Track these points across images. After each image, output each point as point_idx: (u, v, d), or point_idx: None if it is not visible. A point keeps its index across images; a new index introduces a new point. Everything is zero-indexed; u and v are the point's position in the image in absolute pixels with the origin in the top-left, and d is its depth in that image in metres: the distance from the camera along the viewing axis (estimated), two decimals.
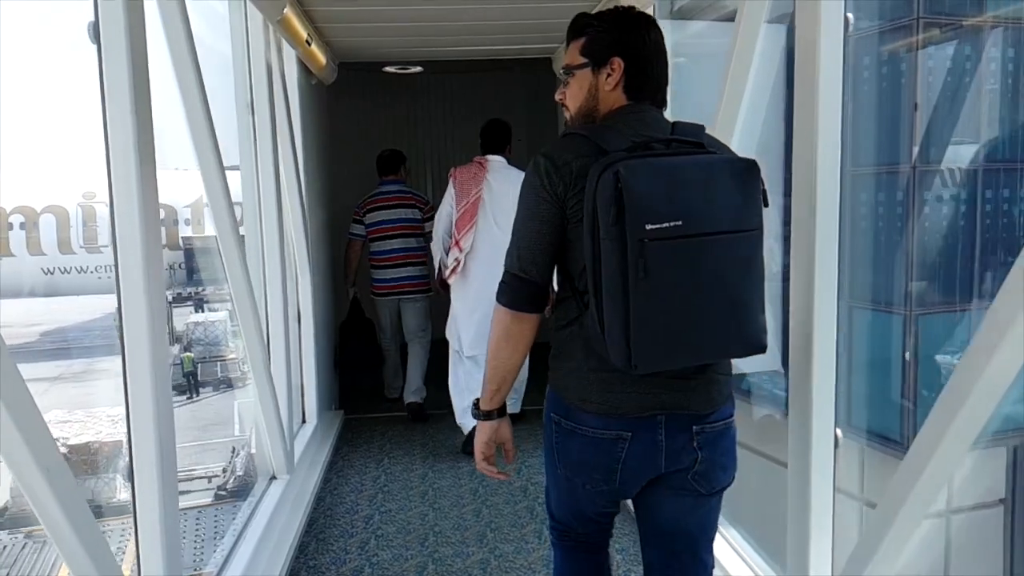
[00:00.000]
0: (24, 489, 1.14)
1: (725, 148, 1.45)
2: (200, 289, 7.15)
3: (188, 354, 6.79)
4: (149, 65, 1.55)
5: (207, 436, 6.33)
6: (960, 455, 1.15)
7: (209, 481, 5.25)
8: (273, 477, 2.93)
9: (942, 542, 2.98)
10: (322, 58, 3.80)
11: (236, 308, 2.52)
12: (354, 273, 4.44)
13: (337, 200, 4.86)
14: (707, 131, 1.43)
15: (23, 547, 3.96)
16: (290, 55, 3.50)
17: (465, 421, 3.65)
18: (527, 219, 1.38)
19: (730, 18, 2.73)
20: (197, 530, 4.41)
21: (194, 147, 2.20)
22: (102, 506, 4.64)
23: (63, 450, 4.84)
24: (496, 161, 3.63)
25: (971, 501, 3.22)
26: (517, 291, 1.39)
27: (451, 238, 3.62)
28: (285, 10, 2.86)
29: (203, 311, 7.33)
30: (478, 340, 3.53)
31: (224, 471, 5.15)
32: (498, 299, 1.42)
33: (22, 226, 7.79)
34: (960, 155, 3.80)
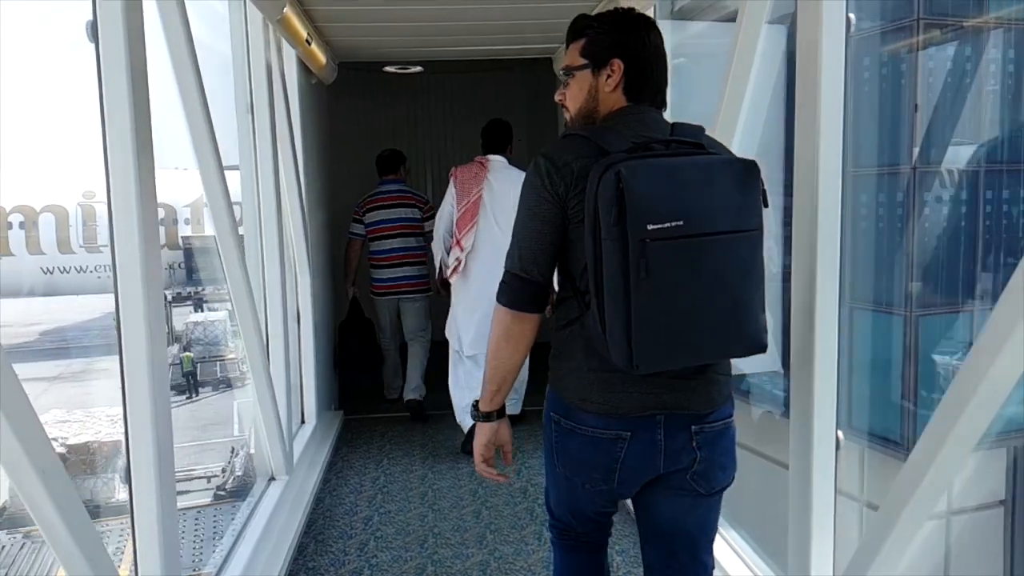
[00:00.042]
0: (20, 492, 1.14)
1: (724, 149, 1.45)
2: (199, 289, 7.15)
3: (187, 354, 6.79)
4: (148, 64, 1.54)
5: (206, 436, 6.33)
6: (963, 457, 1.14)
7: (208, 481, 5.25)
8: (272, 478, 2.92)
9: (942, 543, 2.98)
10: (322, 58, 3.80)
11: (235, 308, 2.52)
12: (354, 272, 4.43)
13: (337, 200, 4.86)
14: (708, 132, 1.43)
15: (21, 547, 3.96)
16: (290, 55, 3.50)
17: (465, 419, 3.64)
18: (528, 219, 1.38)
19: (730, 19, 2.73)
20: (196, 530, 4.40)
21: (193, 147, 2.20)
22: (101, 506, 4.64)
23: (62, 450, 4.83)
24: (497, 161, 3.63)
25: (971, 502, 3.21)
26: (518, 291, 1.39)
27: (452, 237, 3.62)
28: (285, 9, 2.86)
29: (202, 311, 7.33)
30: (478, 340, 3.53)
31: (223, 471, 5.15)
32: (498, 299, 1.42)
33: (21, 225, 7.79)
34: (960, 156, 3.80)
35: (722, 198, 1.27)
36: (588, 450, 1.40)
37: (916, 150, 3.73)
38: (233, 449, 5.22)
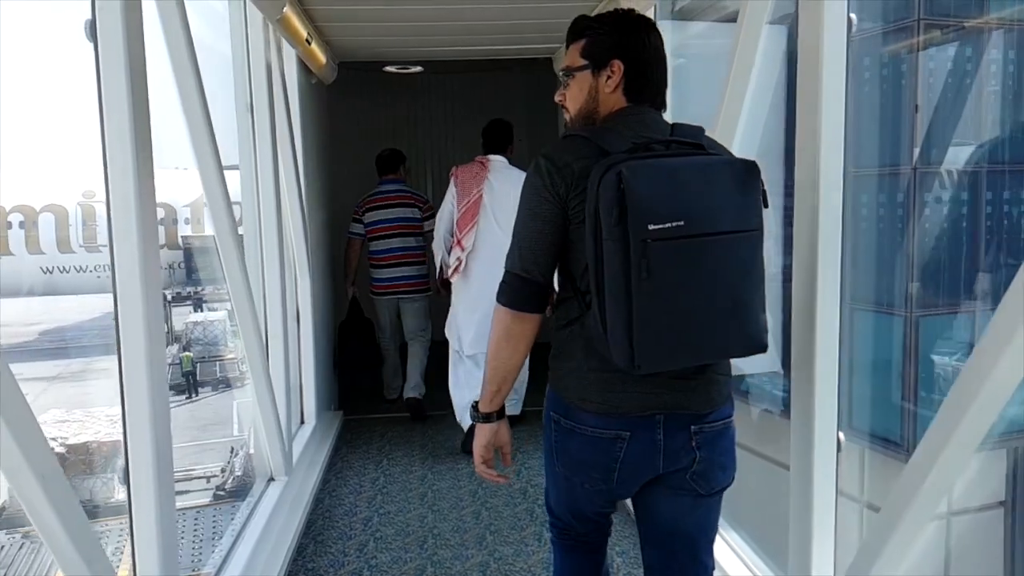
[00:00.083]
0: (19, 496, 1.13)
1: (723, 150, 1.45)
2: (199, 288, 7.15)
3: (187, 353, 6.79)
4: (147, 64, 1.54)
5: (206, 436, 6.33)
6: (965, 460, 1.14)
7: (208, 481, 5.24)
8: (271, 478, 2.92)
9: (943, 544, 2.98)
10: (322, 57, 3.79)
11: (235, 308, 2.51)
12: (354, 272, 4.43)
13: (337, 200, 4.85)
14: (708, 132, 1.44)
15: (20, 547, 3.95)
16: (290, 54, 3.49)
17: (465, 418, 3.64)
18: (529, 219, 1.38)
19: (731, 19, 2.72)
20: (196, 530, 4.40)
21: (192, 146, 2.19)
22: (100, 506, 4.63)
23: (61, 450, 4.83)
24: (498, 161, 3.63)
25: (972, 503, 3.21)
26: (518, 291, 1.39)
27: (452, 237, 3.62)
28: (285, 9, 2.85)
29: (202, 310, 7.33)
30: (478, 339, 3.53)
31: (223, 471, 5.15)
32: (498, 299, 1.42)
33: (21, 225, 7.79)
34: (961, 157, 3.80)
35: (722, 198, 1.28)
36: (587, 450, 1.40)
37: (916, 151, 3.73)
38: (232, 449, 5.21)
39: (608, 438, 1.37)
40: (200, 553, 4.06)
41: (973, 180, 3.68)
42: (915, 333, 3.56)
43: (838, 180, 1.51)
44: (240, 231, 2.68)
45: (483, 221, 3.52)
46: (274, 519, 2.66)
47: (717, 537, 1.57)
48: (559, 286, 1.45)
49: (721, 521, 1.57)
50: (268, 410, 2.76)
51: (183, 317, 7.29)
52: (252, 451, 3.21)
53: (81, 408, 5.58)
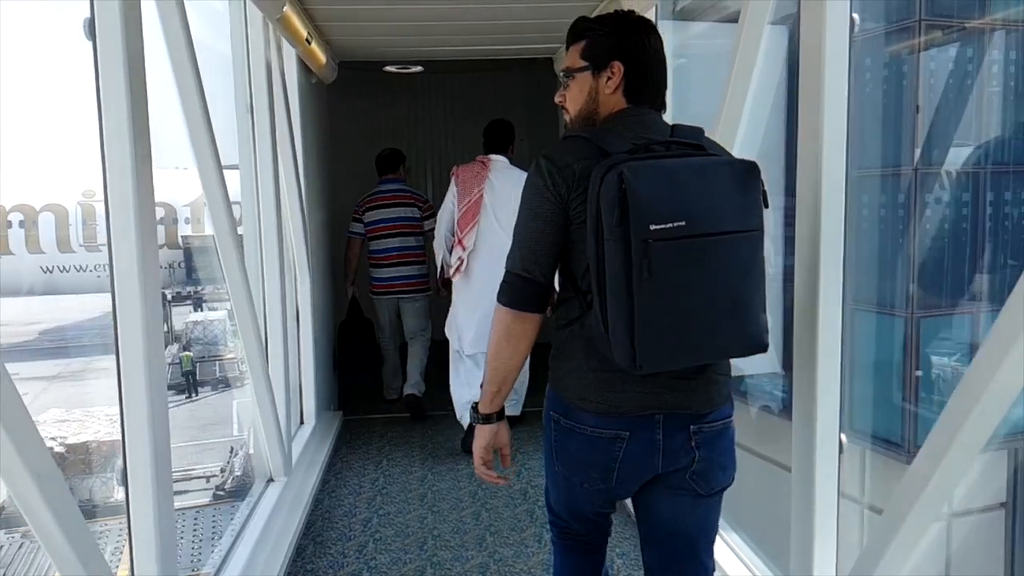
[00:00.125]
0: (15, 497, 1.12)
1: (723, 150, 1.46)
2: (199, 288, 7.15)
3: (187, 353, 6.78)
4: (146, 63, 1.53)
5: (205, 436, 6.32)
6: (968, 462, 1.13)
7: (207, 481, 5.24)
8: (270, 479, 2.91)
9: (944, 545, 2.97)
10: (322, 57, 3.79)
11: (234, 308, 2.51)
12: (354, 272, 4.42)
13: (337, 200, 4.85)
14: (710, 132, 1.44)
15: (20, 547, 3.95)
16: (290, 54, 3.49)
17: (465, 416, 3.64)
18: (530, 219, 1.38)
19: (732, 19, 2.72)
20: (195, 530, 4.40)
21: (192, 146, 2.18)
22: (99, 505, 4.63)
23: (61, 449, 4.82)
24: (499, 161, 3.63)
25: (973, 504, 3.21)
26: (519, 291, 1.39)
27: (453, 237, 3.62)
28: (285, 8, 2.85)
29: (202, 310, 7.33)
30: (478, 339, 3.53)
31: (222, 471, 5.14)
32: (499, 299, 1.42)
33: (21, 224, 7.79)
34: (962, 158, 3.79)
35: (723, 199, 1.28)
36: (587, 449, 1.40)
37: (918, 151, 3.73)
38: (232, 449, 5.21)
39: (608, 438, 1.38)
40: (199, 553, 4.05)
41: (974, 181, 3.68)
42: (916, 334, 3.55)
43: (840, 181, 1.50)
44: (240, 231, 2.67)
45: (484, 221, 3.51)
46: (273, 520, 2.65)
47: (717, 538, 1.56)
48: (559, 286, 1.45)
49: (721, 522, 1.56)
50: (267, 410, 2.75)
51: (183, 317, 7.28)
52: (251, 451, 3.20)
53: (81, 408, 5.57)
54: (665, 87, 1.46)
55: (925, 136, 3.75)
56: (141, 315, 1.47)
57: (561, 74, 1.51)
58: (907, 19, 3.70)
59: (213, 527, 4.47)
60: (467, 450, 3.56)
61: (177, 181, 6.10)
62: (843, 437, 1.58)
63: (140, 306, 1.46)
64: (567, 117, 1.51)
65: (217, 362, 6.95)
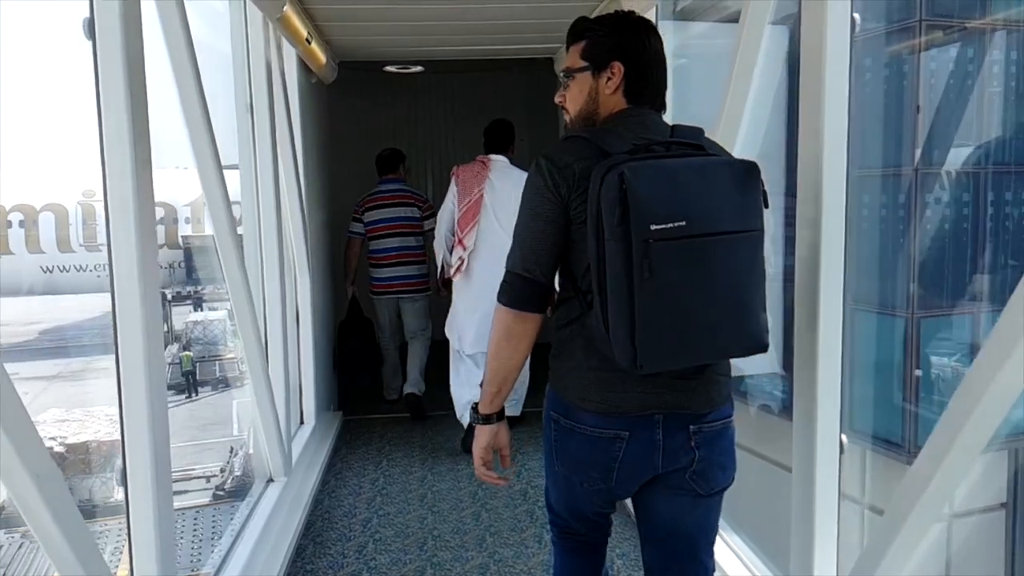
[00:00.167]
0: (14, 497, 1.12)
1: (723, 151, 1.46)
2: (199, 288, 7.15)
3: (187, 353, 6.78)
4: (146, 62, 1.53)
5: (205, 436, 6.32)
6: (969, 464, 1.13)
7: (207, 481, 5.24)
8: (270, 479, 2.91)
9: (944, 545, 2.97)
10: (322, 57, 3.78)
11: (234, 309, 2.50)
12: (354, 272, 4.42)
13: (337, 200, 4.85)
14: (711, 132, 1.44)
15: (20, 547, 3.94)
16: (290, 53, 3.48)
17: (465, 415, 3.64)
18: (530, 219, 1.39)
19: (732, 19, 2.72)
20: (195, 530, 4.39)
21: (192, 146, 2.18)
22: (99, 505, 4.62)
23: (61, 449, 4.82)
24: (499, 161, 3.63)
25: (973, 505, 3.20)
26: (520, 290, 1.39)
27: (454, 236, 3.62)
28: (285, 8, 2.84)
29: (202, 310, 7.33)
30: (478, 339, 3.53)
31: (222, 471, 5.14)
32: (499, 299, 1.42)
33: (21, 224, 7.79)
34: (962, 158, 3.79)
35: (723, 199, 1.28)
36: (586, 449, 1.41)
37: (918, 152, 3.73)
38: (232, 449, 5.21)
39: (607, 437, 1.38)
40: (199, 553, 4.05)
41: (975, 181, 3.68)
42: (916, 334, 3.55)
43: (841, 181, 1.50)
44: (240, 231, 2.67)
45: (484, 220, 3.51)
46: (273, 520, 2.65)
47: (717, 539, 1.56)
48: (560, 286, 1.45)
49: (722, 523, 1.56)
50: (267, 411, 2.75)
51: (183, 316, 7.28)
52: (251, 451, 3.20)
53: (81, 407, 5.57)
54: (665, 87, 1.47)
55: (926, 136, 3.74)
56: (140, 315, 1.46)
57: (561, 74, 1.51)
58: (908, 19, 3.69)
59: (213, 527, 4.47)
60: (467, 450, 3.56)
61: (177, 181, 6.10)
62: (844, 438, 1.58)
63: (139, 306, 1.46)
64: (567, 117, 1.51)
65: (217, 362, 6.94)
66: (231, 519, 3.84)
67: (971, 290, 3.56)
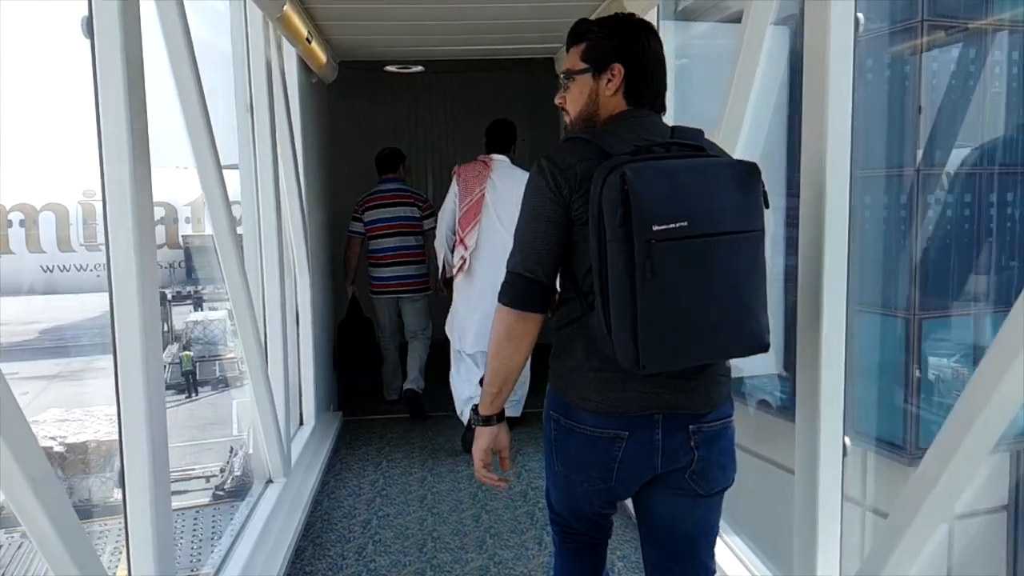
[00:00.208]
0: (10, 499, 1.11)
1: (723, 152, 1.47)
2: (199, 287, 7.14)
3: (187, 353, 6.77)
4: (144, 61, 1.52)
5: (205, 435, 6.31)
6: (975, 466, 1.12)
7: (207, 481, 5.23)
8: (270, 480, 2.90)
9: (946, 547, 2.96)
10: (322, 56, 3.78)
11: (233, 309, 2.49)
12: (353, 271, 4.42)
13: (337, 199, 4.84)
14: (712, 133, 1.43)
15: (19, 547, 3.94)
16: (290, 53, 3.48)
17: (466, 411, 3.65)
18: (532, 220, 1.39)
19: (733, 20, 2.71)
20: (195, 530, 4.39)
21: (191, 146, 2.17)
22: (99, 505, 4.61)
23: (60, 449, 4.81)
24: (500, 160, 3.63)
25: (975, 507, 3.20)
26: (521, 291, 1.39)
27: (455, 236, 3.62)
28: (285, 7, 2.84)
29: (202, 309, 7.32)
30: (479, 338, 3.53)
31: (222, 471, 5.13)
32: (500, 299, 1.42)
33: (22, 223, 7.79)
34: (964, 159, 3.78)
35: (724, 199, 1.29)
36: (586, 449, 1.41)
37: (920, 152, 3.72)
38: (232, 449, 5.20)
39: (607, 437, 1.38)
40: (199, 553, 4.04)
41: (976, 182, 3.67)
42: (918, 335, 3.54)
43: (844, 182, 1.49)
44: (240, 231, 2.66)
45: (486, 220, 3.51)
46: (272, 521, 2.64)
47: (718, 540, 1.55)
48: (561, 287, 1.45)
49: (723, 524, 1.55)
50: (267, 412, 2.74)
51: (183, 316, 7.28)
52: (251, 452, 3.19)
53: (81, 407, 5.56)
54: (665, 89, 1.47)
55: (927, 137, 3.74)
56: (139, 315, 1.45)
57: (561, 76, 1.51)
58: (910, 19, 3.69)
59: (213, 527, 4.46)
60: (467, 448, 3.55)
61: (177, 180, 6.09)
62: (847, 440, 1.57)
63: (138, 306, 1.45)
64: (567, 119, 1.52)
65: (217, 362, 6.94)
66: (231, 519, 3.83)
67: (973, 291, 3.55)
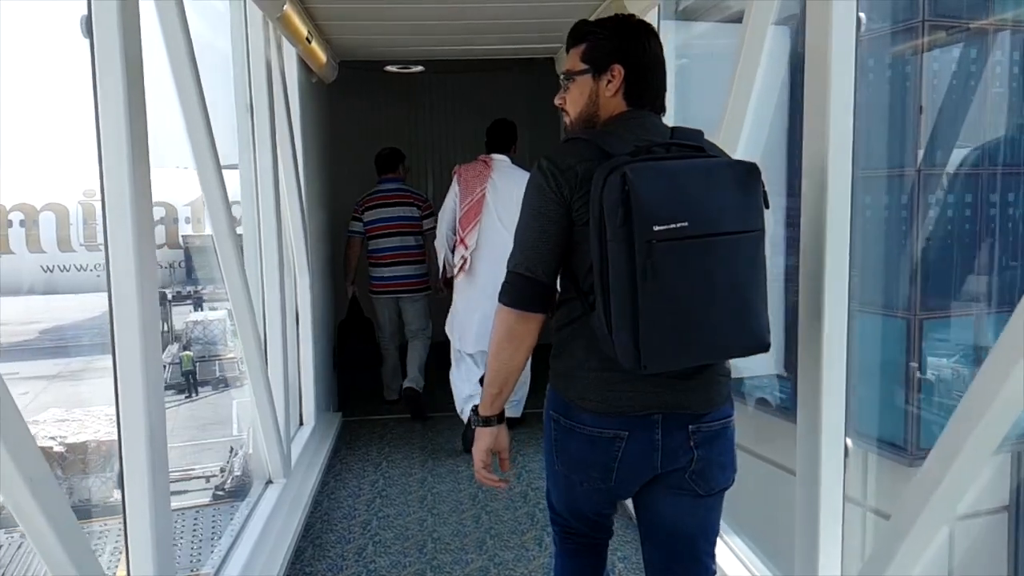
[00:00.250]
0: (7, 499, 1.11)
1: (722, 152, 1.47)
2: (199, 287, 7.14)
3: (187, 353, 6.77)
4: (144, 61, 1.52)
5: (205, 435, 6.31)
6: (979, 467, 1.11)
7: (207, 481, 5.23)
8: (269, 481, 2.89)
9: (946, 548, 2.95)
10: (322, 56, 3.77)
11: (233, 310, 2.49)
12: (353, 271, 4.42)
13: (337, 199, 4.84)
14: (713, 132, 1.43)
15: (19, 547, 3.93)
16: (290, 53, 3.47)
17: (466, 409, 3.65)
18: (532, 220, 1.39)
19: (734, 19, 2.70)
20: (195, 530, 4.39)
21: (191, 146, 2.17)
22: (99, 505, 4.61)
23: (61, 449, 4.81)
24: (501, 160, 3.63)
25: (975, 507, 3.19)
26: (522, 290, 1.39)
27: (455, 235, 3.61)
28: (285, 7, 2.83)
29: (202, 309, 7.32)
30: (479, 338, 3.53)
31: (222, 471, 5.13)
32: (501, 299, 1.42)
33: (22, 223, 7.79)
34: (965, 159, 3.77)
35: (725, 199, 1.29)
36: (586, 449, 1.41)
37: (921, 152, 3.71)
38: (232, 449, 5.19)
39: (607, 437, 1.39)
40: (199, 553, 4.04)
41: (977, 182, 3.66)
42: (919, 336, 3.54)
43: (846, 183, 1.49)
44: (240, 231, 2.66)
45: (487, 219, 3.51)
46: (272, 522, 2.64)
47: (719, 540, 1.55)
48: (561, 287, 1.46)
49: (723, 526, 1.55)
50: (266, 412, 2.74)
51: (183, 316, 7.28)
52: (251, 452, 3.19)
53: (81, 407, 5.55)
54: (665, 90, 1.48)
55: (928, 137, 3.73)
56: (138, 315, 1.45)
57: (561, 77, 1.52)
58: (911, 19, 3.68)
59: (213, 527, 4.46)
60: (467, 447, 3.56)
61: (177, 181, 6.09)
62: (849, 442, 1.56)
63: (137, 306, 1.45)
64: (567, 119, 1.52)
65: (217, 362, 6.93)
66: (231, 519, 3.82)
67: (974, 291, 3.54)
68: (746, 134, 2.01)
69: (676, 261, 1.23)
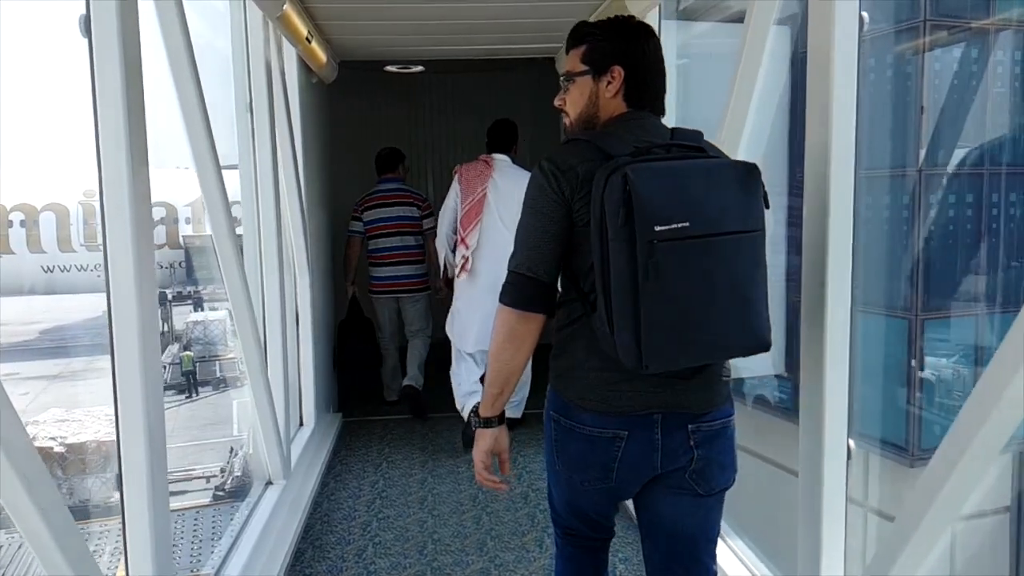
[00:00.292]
0: (3, 499, 1.10)
1: (722, 153, 1.48)
2: (200, 288, 7.14)
3: (187, 353, 6.77)
4: (143, 61, 1.51)
5: (206, 436, 6.31)
6: (986, 466, 1.11)
7: (207, 481, 5.22)
8: (269, 481, 2.89)
9: (948, 549, 2.94)
10: (322, 56, 3.77)
11: (233, 310, 2.49)
12: (353, 271, 4.41)
13: (337, 199, 4.83)
14: (715, 132, 1.43)
15: (19, 547, 3.93)
16: (290, 53, 3.47)
17: (465, 404, 3.64)
18: (534, 220, 1.39)
19: (735, 19, 2.70)
20: (195, 530, 4.39)
21: (190, 146, 2.16)
22: (100, 505, 4.61)
23: (61, 449, 4.81)
24: (502, 160, 3.62)
25: (977, 508, 3.18)
26: (523, 290, 1.39)
27: (456, 235, 3.61)
28: (285, 7, 2.83)
29: (202, 309, 7.32)
30: (480, 338, 3.53)
31: (222, 471, 5.12)
32: (502, 299, 1.42)
33: (22, 224, 7.79)
34: (966, 159, 3.77)
35: (725, 200, 1.29)
36: (586, 449, 1.42)
37: (922, 152, 3.71)
38: (232, 449, 5.19)
39: (607, 437, 1.39)
40: (199, 553, 4.04)
41: (978, 182, 3.66)
42: (921, 336, 3.53)
43: (848, 183, 1.48)
44: (239, 231, 2.65)
45: (487, 219, 3.51)
46: (272, 523, 2.63)
47: (720, 541, 1.54)
48: (562, 287, 1.46)
49: (724, 525, 1.54)
50: (266, 413, 2.73)
51: (184, 316, 7.28)
52: (251, 452, 3.18)
53: (81, 407, 5.55)
54: (664, 91, 1.48)
55: (929, 137, 3.73)
56: (137, 316, 1.45)
57: (561, 78, 1.52)
58: (912, 19, 3.67)
59: (213, 527, 4.46)
60: (467, 445, 3.55)
61: (177, 181, 6.09)
62: (851, 443, 1.56)
63: (136, 307, 1.44)
64: (567, 121, 1.52)
65: (217, 362, 6.93)
66: (231, 519, 3.82)
67: (976, 291, 3.53)
68: (747, 134, 2.00)
69: (677, 261, 1.23)
